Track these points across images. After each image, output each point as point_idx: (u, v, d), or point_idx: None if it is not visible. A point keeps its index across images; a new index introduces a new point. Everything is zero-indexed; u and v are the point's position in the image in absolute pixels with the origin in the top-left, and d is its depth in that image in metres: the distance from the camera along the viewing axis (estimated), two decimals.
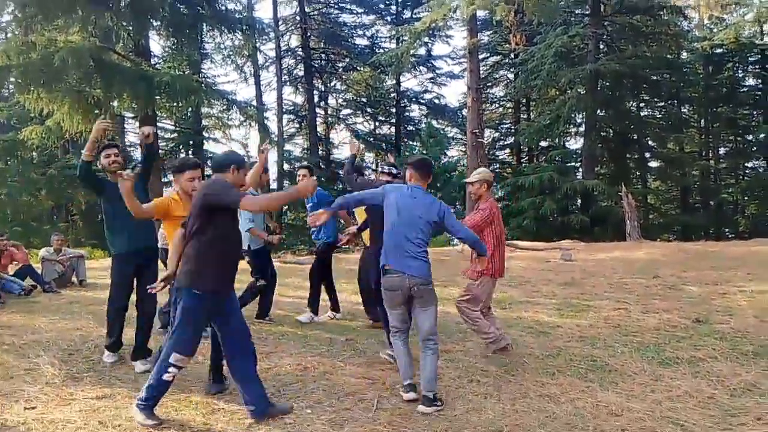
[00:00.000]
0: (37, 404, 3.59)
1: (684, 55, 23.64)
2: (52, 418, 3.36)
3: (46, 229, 15.30)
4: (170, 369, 3.30)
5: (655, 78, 21.19)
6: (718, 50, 22.94)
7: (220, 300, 3.39)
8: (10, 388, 3.85)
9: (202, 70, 20.40)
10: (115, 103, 12.95)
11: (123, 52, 12.99)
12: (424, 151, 21.71)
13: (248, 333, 3.55)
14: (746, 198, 24.53)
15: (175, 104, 13.21)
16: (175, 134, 22.49)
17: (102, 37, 12.41)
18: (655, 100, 24.00)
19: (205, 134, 22.17)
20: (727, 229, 23.15)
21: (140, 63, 12.48)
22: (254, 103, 19.55)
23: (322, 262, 6.09)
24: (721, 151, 25.93)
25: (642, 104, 24.41)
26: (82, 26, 11.90)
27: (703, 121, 25.38)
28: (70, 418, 3.37)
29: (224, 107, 15.39)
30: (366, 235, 5.31)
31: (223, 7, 14.16)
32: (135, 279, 4.44)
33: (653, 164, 23.91)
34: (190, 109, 15.57)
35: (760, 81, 23.86)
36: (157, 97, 12.47)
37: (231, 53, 15.95)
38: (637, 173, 24.22)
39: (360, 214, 5.52)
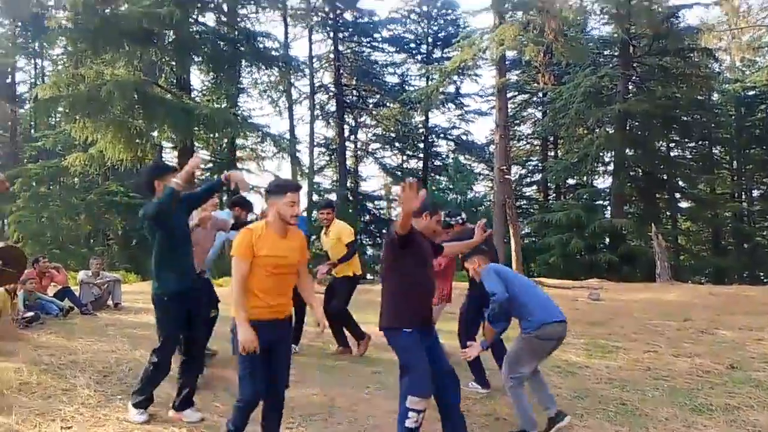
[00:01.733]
0: (72, 424, 3.68)
1: (715, 96, 23.51)
2: None
3: (83, 253, 15.78)
4: (410, 414, 3.17)
5: (685, 119, 21.08)
6: (751, 92, 22.77)
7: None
8: (47, 408, 3.95)
9: (239, 104, 21.10)
10: (156, 134, 13.48)
11: (165, 86, 13.60)
12: (451, 186, 21.82)
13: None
14: None
15: (212, 135, 13.72)
16: (210, 164, 23.13)
17: (146, 71, 13.03)
18: (686, 140, 23.81)
19: (239, 165, 22.76)
20: (761, 273, 22.48)
21: (181, 96, 13.05)
22: (287, 136, 20.06)
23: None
24: (755, 193, 25.43)
25: (672, 144, 24.23)
26: (128, 61, 12.56)
27: (735, 162, 25.02)
28: None
29: (258, 139, 15.88)
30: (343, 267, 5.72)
31: (262, 45, 14.78)
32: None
33: (684, 204, 23.55)
34: (225, 140, 16.07)
35: None
36: (196, 129, 12.96)
37: (267, 88, 16.57)
38: (668, 213, 23.85)
39: (337, 248, 5.73)
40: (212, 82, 16.74)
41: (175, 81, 13.51)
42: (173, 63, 13.13)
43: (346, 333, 5.94)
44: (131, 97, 11.79)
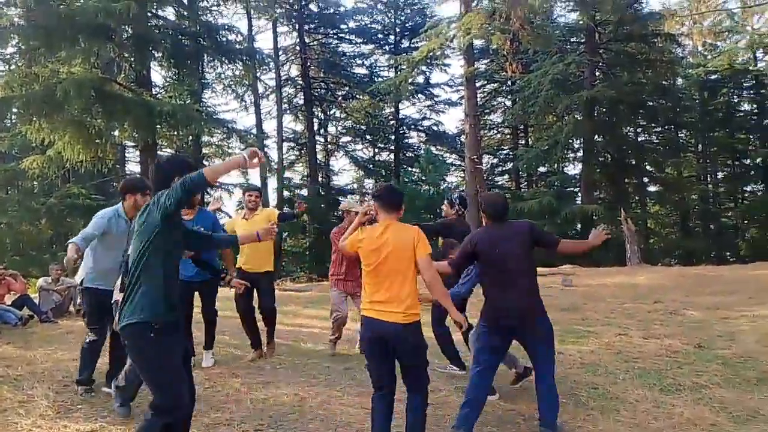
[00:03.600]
0: None
1: (679, 81, 23.98)
2: None
3: (45, 259, 15.27)
4: None
5: (651, 104, 21.45)
6: (713, 76, 23.30)
7: None
8: (3, 421, 3.79)
9: (203, 100, 20.65)
10: (116, 132, 13.10)
11: (125, 83, 13.20)
12: (423, 177, 21.80)
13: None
14: (746, 222, 24.57)
15: (175, 133, 13.40)
16: None
17: (104, 68, 12.62)
18: (652, 125, 24.26)
19: (205, 162, 22.31)
20: (728, 253, 23.10)
21: (141, 93, 12.68)
22: (254, 131, 19.72)
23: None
24: (719, 175, 26.10)
25: (639, 130, 24.65)
26: (84, 58, 12.14)
27: (700, 145, 25.60)
28: None
29: (224, 135, 15.57)
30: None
31: (224, 39, 14.44)
32: None
33: (652, 189, 24.02)
34: (190, 137, 15.72)
35: (755, 106, 24.15)
36: (158, 126, 12.64)
37: (231, 83, 16.21)
38: (636, 198, 24.30)
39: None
40: (174, 77, 16.33)
41: (134, 77, 13.12)
42: (132, 59, 12.72)
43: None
44: (89, 96, 11.38)
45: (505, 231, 3.68)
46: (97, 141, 12.25)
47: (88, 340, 4.32)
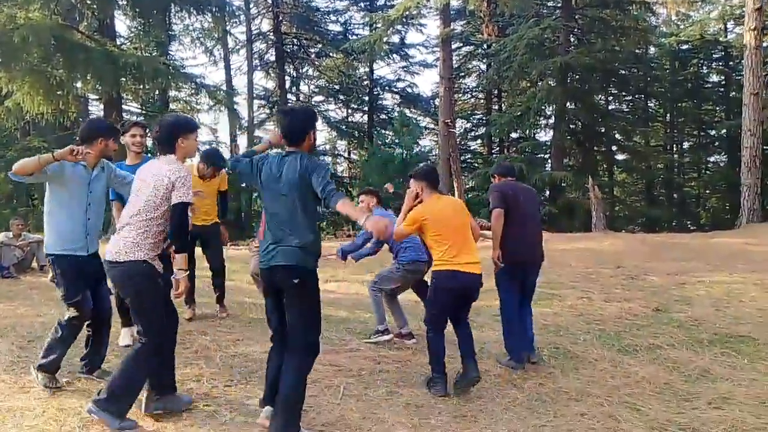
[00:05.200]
0: None
1: (652, 50, 24.15)
2: (10, 406, 3.27)
3: (5, 214, 14.81)
4: None
5: (623, 72, 21.59)
6: (684, 46, 23.52)
7: None
8: None
9: (170, 52, 19.88)
10: (79, 84, 12.57)
11: (87, 32, 12.60)
12: (397, 140, 21.68)
13: None
14: (708, 191, 25.34)
15: (141, 87, 12.97)
16: (142, 117, 21.92)
17: (65, 15, 11.99)
18: (623, 94, 24.47)
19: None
20: (689, 222, 23.88)
21: (105, 43, 12.13)
22: (224, 87, 19.21)
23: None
24: (685, 145, 26.69)
25: (610, 98, 24.87)
26: (43, 3, 11.49)
27: (668, 115, 26.03)
28: (29, 405, 3.29)
29: (192, 91, 15.11)
30: None
31: None
32: None
33: (620, 157, 24.45)
34: (156, 92, 15.22)
35: (723, 78, 24.56)
36: (123, 79, 12.18)
37: (200, 35, 15.68)
38: (605, 166, 24.73)
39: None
40: (140, 28, 15.62)
41: (97, 26, 12.51)
42: (95, 6, 12.10)
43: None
44: (48, 44, 10.82)
45: (522, 187, 4.69)
46: (58, 92, 11.74)
47: (67, 317, 3.56)
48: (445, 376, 3.85)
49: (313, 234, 3.05)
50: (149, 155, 4.56)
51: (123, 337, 4.46)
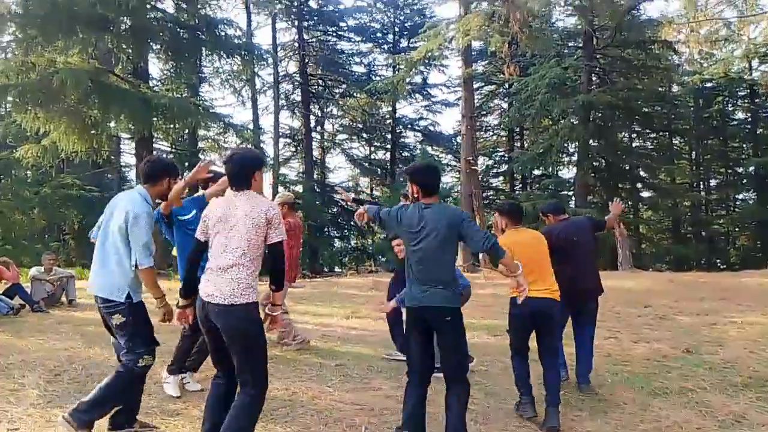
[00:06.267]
0: (20, 426, 3.53)
1: (675, 88, 24.09)
2: None
3: (37, 248, 15.18)
4: None
5: (646, 110, 21.54)
6: (708, 84, 23.42)
7: None
8: None
9: (200, 93, 20.59)
10: (112, 124, 13.04)
11: (122, 75, 13.16)
12: None
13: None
14: (737, 229, 24.74)
15: (171, 126, 13.35)
16: (171, 155, 22.58)
17: (101, 59, 12.57)
18: (647, 131, 24.35)
19: (201, 156, 22.26)
20: (718, 260, 23.27)
21: (138, 85, 12.64)
22: (251, 126, 19.70)
23: None
24: (712, 182, 26.26)
25: (634, 135, 24.76)
26: (81, 48, 12.08)
27: (693, 153, 25.75)
28: None
29: (221, 130, 15.53)
30: None
31: (223, 33, 14.41)
32: None
33: (645, 194, 24.15)
34: (186, 131, 15.69)
35: (749, 115, 24.31)
36: (155, 119, 12.59)
37: (229, 77, 16.17)
38: (629, 203, 24.42)
39: None
40: (172, 70, 16.24)
41: (132, 69, 13.06)
42: (130, 51, 12.64)
43: None
44: (85, 86, 11.32)
45: (571, 225, 4.83)
46: (92, 132, 12.21)
47: (141, 364, 3.27)
48: (532, 398, 4.03)
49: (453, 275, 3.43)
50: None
51: (172, 386, 4.26)
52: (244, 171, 2.98)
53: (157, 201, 3.60)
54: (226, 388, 3.02)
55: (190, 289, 3.09)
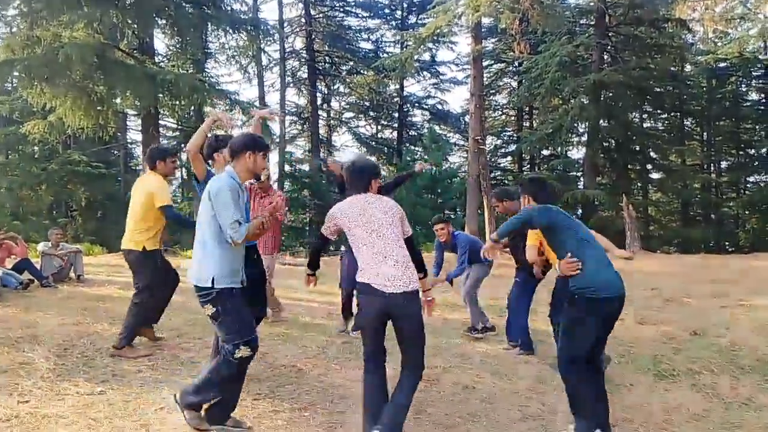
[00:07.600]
0: (30, 398, 3.56)
1: (688, 67, 23.67)
2: (45, 413, 3.33)
3: (45, 224, 15.30)
4: None
5: (658, 90, 21.20)
6: (722, 64, 22.97)
7: None
8: (3, 382, 3.82)
9: (206, 70, 20.42)
10: (118, 100, 12.99)
11: (127, 50, 13.05)
12: (426, 156, 21.71)
13: None
14: (747, 212, 24.49)
15: (177, 102, 13.28)
16: (177, 132, 22.52)
17: (107, 34, 12.45)
18: (658, 111, 24.00)
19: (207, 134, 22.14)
20: (727, 243, 23.12)
21: (144, 61, 12.55)
22: (257, 103, 19.58)
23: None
24: (723, 164, 25.91)
25: (645, 116, 24.42)
26: (87, 23, 11.95)
27: (705, 134, 25.40)
28: (63, 413, 3.35)
29: (227, 107, 15.41)
30: None
31: (229, 8, 14.26)
32: None
33: (655, 176, 23.91)
34: (192, 107, 15.62)
35: (763, 96, 23.89)
36: (161, 95, 12.51)
37: (235, 53, 16.04)
38: (639, 184, 24.22)
39: None
40: (177, 46, 16.10)
41: (137, 45, 12.96)
42: (135, 26, 12.53)
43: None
44: (91, 61, 11.24)
45: None
46: (98, 108, 12.17)
47: (238, 356, 3.07)
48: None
49: None
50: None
51: None
52: (364, 178, 3.31)
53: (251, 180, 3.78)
54: (381, 380, 3.23)
55: (315, 265, 3.59)
